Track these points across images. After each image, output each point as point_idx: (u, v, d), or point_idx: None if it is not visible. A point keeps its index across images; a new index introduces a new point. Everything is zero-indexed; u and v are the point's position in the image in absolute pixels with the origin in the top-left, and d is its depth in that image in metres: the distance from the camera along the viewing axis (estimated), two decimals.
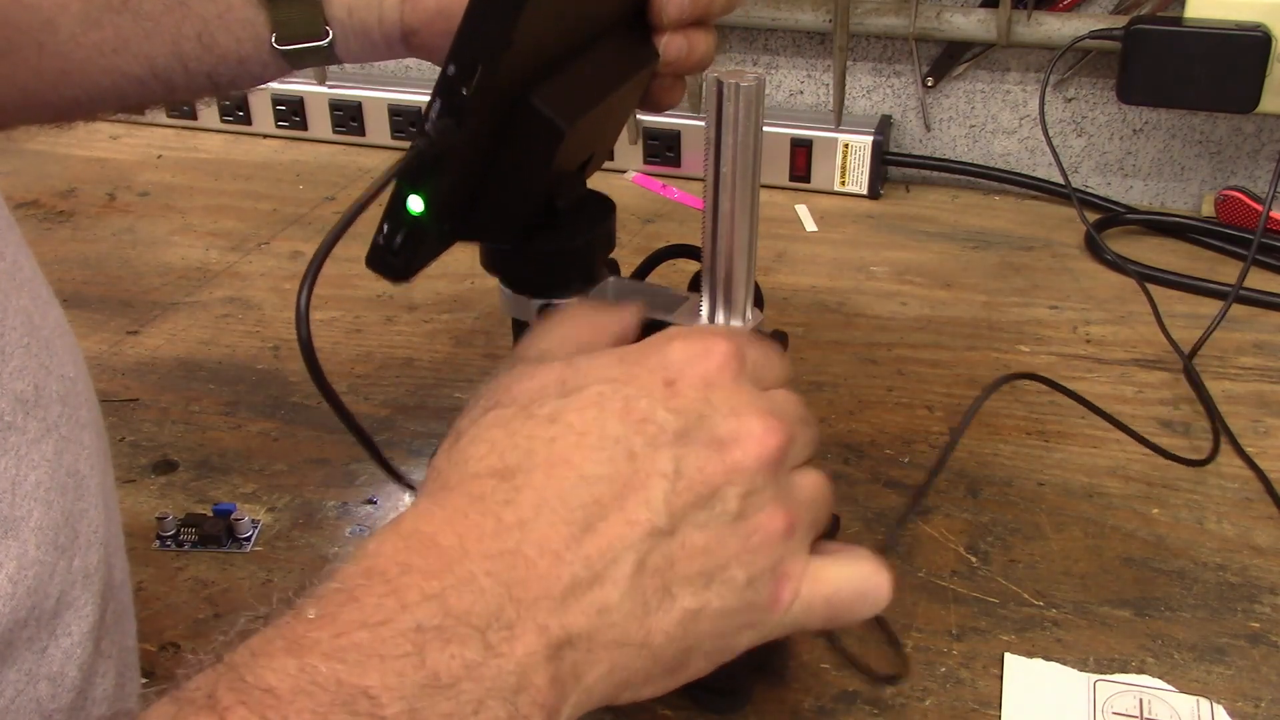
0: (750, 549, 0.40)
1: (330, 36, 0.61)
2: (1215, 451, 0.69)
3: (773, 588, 0.41)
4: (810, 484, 0.43)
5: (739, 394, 0.41)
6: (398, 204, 0.48)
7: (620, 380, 0.40)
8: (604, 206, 0.57)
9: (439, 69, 0.46)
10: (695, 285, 0.57)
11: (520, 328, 0.57)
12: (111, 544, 0.42)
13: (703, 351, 0.41)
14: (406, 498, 0.66)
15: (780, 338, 0.53)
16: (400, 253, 0.49)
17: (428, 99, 0.46)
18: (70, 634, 0.38)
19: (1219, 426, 0.71)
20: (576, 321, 0.46)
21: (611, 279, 0.57)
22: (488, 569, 0.35)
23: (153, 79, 0.61)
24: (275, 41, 0.60)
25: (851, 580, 0.43)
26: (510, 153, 0.49)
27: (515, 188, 0.51)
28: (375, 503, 0.67)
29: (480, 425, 0.40)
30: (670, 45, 0.56)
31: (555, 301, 0.55)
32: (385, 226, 0.49)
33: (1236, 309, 0.83)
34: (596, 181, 0.59)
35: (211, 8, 0.60)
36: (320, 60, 0.62)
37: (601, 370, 0.40)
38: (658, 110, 0.59)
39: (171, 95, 0.63)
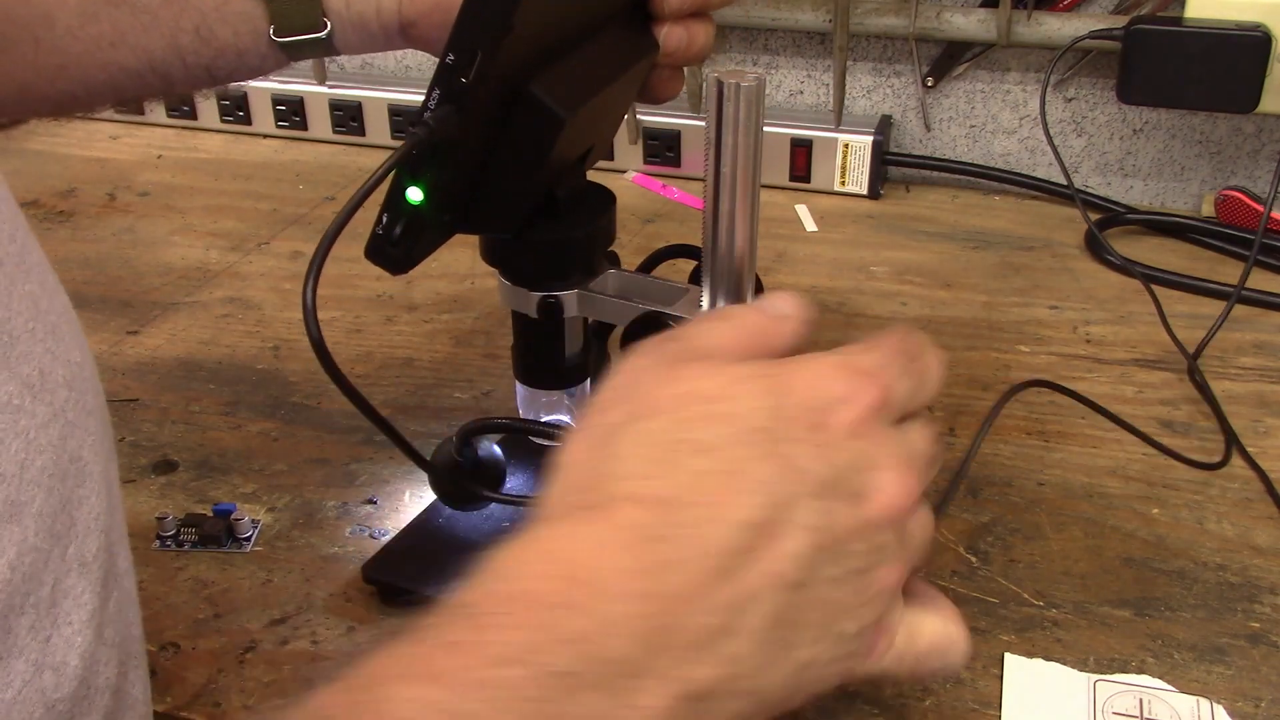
0: (864, 603, 0.39)
1: (328, 28, 0.61)
2: (1228, 456, 0.68)
3: (874, 639, 0.40)
4: (922, 526, 0.42)
5: (881, 443, 0.40)
6: (397, 194, 0.48)
7: (772, 412, 0.38)
8: (604, 198, 0.57)
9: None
10: (695, 278, 0.57)
11: (520, 321, 0.57)
12: (114, 532, 0.41)
13: (852, 394, 0.39)
14: (407, 496, 0.66)
15: None
16: (400, 243, 0.49)
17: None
18: (70, 622, 0.38)
19: (1228, 430, 0.70)
20: (739, 326, 0.43)
21: (612, 271, 0.57)
22: (629, 611, 0.34)
23: (150, 72, 0.61)
24: (273, 34, 0.60)
25: (939, 637, 0.43)
26: (510, 142, 0.49)
27: (515, 178, 0.50)
28: (375, 503, 0.66)
29: (628, 438, 0.38)
30: (670, 36, 0.56)
31: (555, 294, 0.55)
32: (384, 217, 0.49)
33: (1237, 309, 0.82)
34: (595, 180, 0.59)
35: (209, 0, 0.60)
36: (319, 52, 0.62)
37: (753, 397, 0.39)
38: (656, 102, 0.59)
39: (169, 89, 0.63)
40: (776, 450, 0.37)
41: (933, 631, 0.43)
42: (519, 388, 0.60)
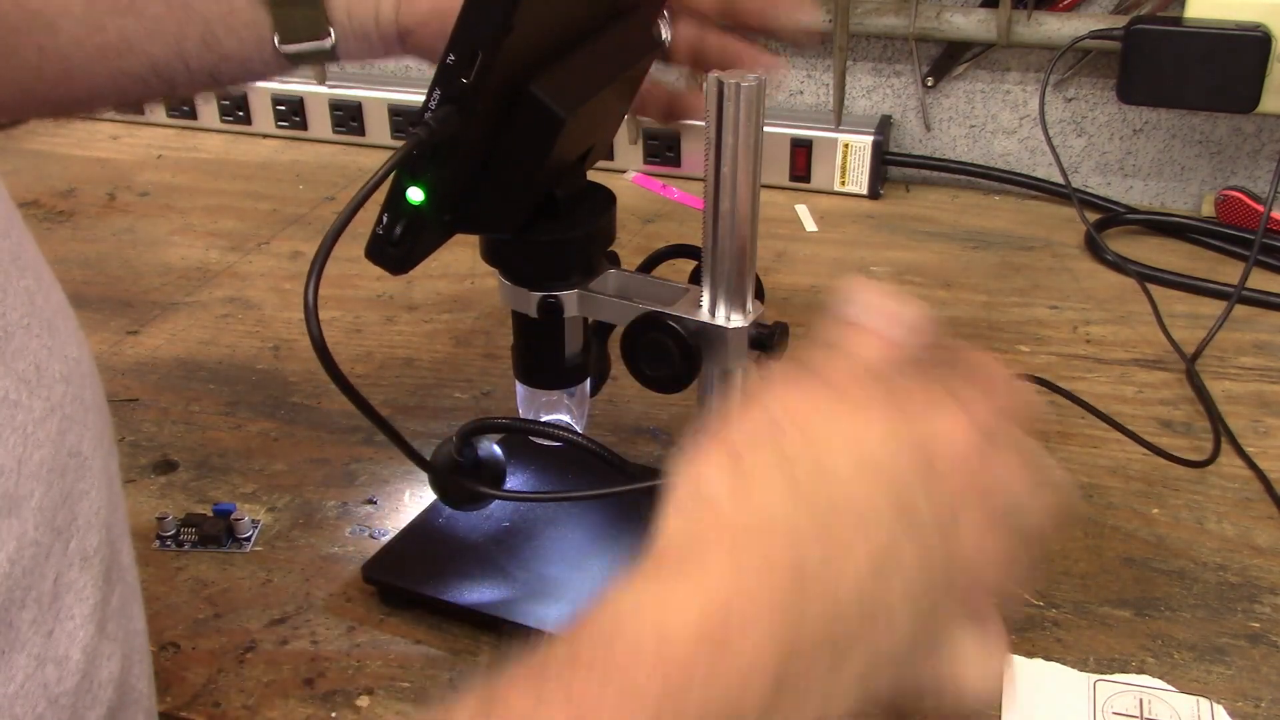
0: (930, 636, 0.38)
1: (332, 38, 0.61)
2: (1216, 453, 0.68)
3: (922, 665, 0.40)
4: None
5: (983, 499, 0.38)
6: (397, 194, 0.48)
7: (892, 440, 0.38)
8: (604, 198, 0.57)
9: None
10: (695, 278, 0.57)
11: (520, 320, 0.57)
12: (116, 527, 0.42)
13: (961, 434, 0.38)
14: (407, 496, 0.66)
15: (781, 329, 0.53)
16: (400, 243, 0.49)
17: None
18: (72, 616, 0.38)
19: (1218, 428, 0.70)
20: (868, 343, 0.42)
21: (612, 271, 0.57)
22: (766, 663, 0.35)
23: (154, 77, 0.61)
24: (278, 42, 0.61)
25: (977, 679, 0.40)
26: (510, 142, 0.49)
27: (515, 178, 0.51)
28: (375, 503, 0.66)
29: (765, 455, 0.38)
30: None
31: (555, 294, 0.55)
32: (385, 217, 0.49)
33: (1237, 309, 0.83)
34: (595, 180, 0.59)
35: (215, 9, 0.60)
36: (321, 60, 0.62)
37: (876, 425, 0.38)
38: (678, 120, 0.59)
39: (172, 92, 0.64)
40: (898, 490, 0.37)
41: (975, 673, 0.39)
42: (519, 388, 0.60)
